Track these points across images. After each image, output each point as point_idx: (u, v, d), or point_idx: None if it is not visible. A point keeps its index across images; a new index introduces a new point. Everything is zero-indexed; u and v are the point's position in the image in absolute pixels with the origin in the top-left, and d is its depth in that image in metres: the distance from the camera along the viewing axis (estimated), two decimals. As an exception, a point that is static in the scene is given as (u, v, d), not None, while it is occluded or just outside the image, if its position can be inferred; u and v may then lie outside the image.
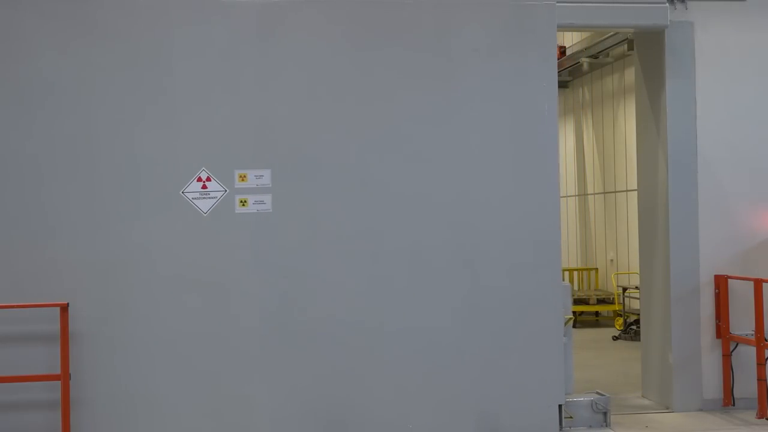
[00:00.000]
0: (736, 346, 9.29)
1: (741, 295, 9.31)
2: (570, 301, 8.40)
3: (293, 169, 7.91)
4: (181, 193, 7.74)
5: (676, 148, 9.39)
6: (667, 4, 8.80)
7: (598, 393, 8.50)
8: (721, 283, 9.31)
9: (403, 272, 7.99)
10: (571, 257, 20.42)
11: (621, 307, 15.80)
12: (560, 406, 8.13)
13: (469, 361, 8.03)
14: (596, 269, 18.58)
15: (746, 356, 9.24)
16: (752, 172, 9.50)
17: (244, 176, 7.84)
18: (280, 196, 7.88)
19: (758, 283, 8.94)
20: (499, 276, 8.09)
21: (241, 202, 7.83)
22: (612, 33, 15.80)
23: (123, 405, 7.63)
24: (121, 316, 7.65)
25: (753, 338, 8.96)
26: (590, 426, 8.26)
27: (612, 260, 17.90)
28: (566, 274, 19.21)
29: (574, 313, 16.79)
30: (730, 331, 9.27)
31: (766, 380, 8.90)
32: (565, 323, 8.19)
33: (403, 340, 7.96)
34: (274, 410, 7.78)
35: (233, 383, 7.75)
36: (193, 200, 7.75)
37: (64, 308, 7.39)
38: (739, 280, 9.26)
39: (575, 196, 20.17)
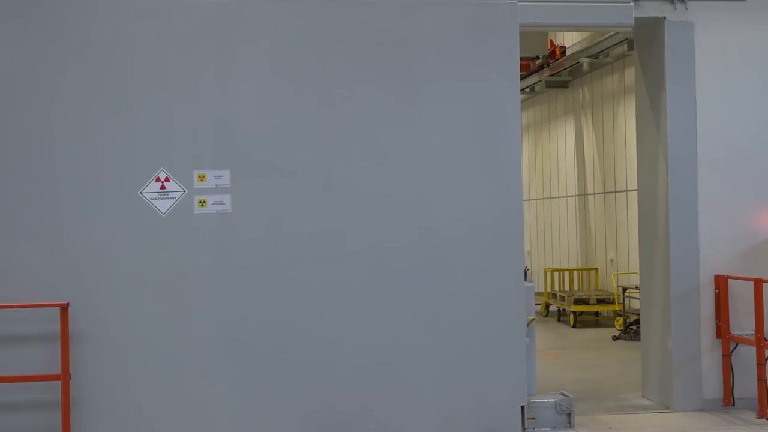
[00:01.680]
0: (736, 346, 9.29)
1: (741, 295, 9.30)
2: (533, 301, 8.33)
3: (253, 169, 7.84)
4: (139, 193, 7.69)
5: (676, 148, 9.39)
6: (632, 4, 8.67)
7: (562, 394, 8.44)
8: (721, 283, 9.31)
9: (364, 273, 7.93)
10: (571, 257, 20.43)
11: (621, 307, 15.81)
12: (523, 407, 8.08)
13: (431, 362, 7.98)
14: (596, 269, 18.59)
15: (746, 356, 9.24)
16: (752, 172, 9.50)
17: (203, 176, 7.78)
18: (240, 196, 7.82)
19: (758, 283, 8.94)
20: (462, 277, 8.05)
21: (200, 202, 7.77)
22: (612, 33, 15.82)
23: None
24: (82, 316, 7.56)
25: (753, 338, 8.97)
26: (554, 427, 8.21)
27: (612, 260, 17.90)
28: (566, 274, 19.24)
29: (574, 313, 16.82)
30: (730, 331, 9.27)
31: (766, 380, 8.90)
32: (528, 324, 8.14)
33: (364, 340, 7.90)
34: (235, 412, 7.71)
35: (194, 384, 7.68)
36: (152, 201, 7.70)
37: (64, 308, 7.39)
38: (739, 280, 9.26)
39: (575, 196, 20.17)
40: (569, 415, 8.26)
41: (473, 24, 8.14)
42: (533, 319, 8.23)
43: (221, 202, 7.79)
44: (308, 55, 7.95)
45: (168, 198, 7.73)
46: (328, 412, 7.86)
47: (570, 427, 8.24)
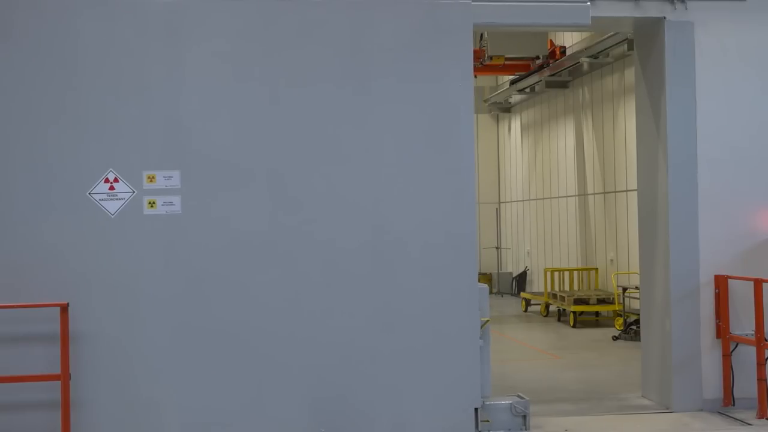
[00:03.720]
0: (736, 346, 9.29)
1: (741, 295, 9.30)
2: (487, 303, 8.26)
3: (203, 170, 7.79)
4: (88, 194, 7.66)
5: (676, 148, 9.38)
6: (589, 4, 8.54)
7: (518, 396, 8.39)
8: (721, 283, 9.31)
9: (315, 274, 7.88)
10: (571, 257, 20.43)
11: (621, 307, 15.81)
12: (476, 410, 8.02)
13: (384, 364, 7.92)
14: (596, 269, 18.59)
15: (746, 356, 9.24)
16: (752, 171, 9.50)
17: (153, 177, 7.73)
18: (190, 197, 7.76)
19: (758, 283, 8.94)
20: (415, 278, 7.99)
21: (150, 203, 7.72)
22: (612, 33, 15.82)
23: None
24: (31, 317, 7.53)
25: (753, 338, 8.96)
26: (509, 429, 8.14)
27: (612, 260, 17.90)
28: (566, 274, 19.25)
29: (574, 313, 16.83)
30: (730, 331, 9.27)
31: (766, 380, 8.91)
32: (482, 326, 8.10)
33: (316, 341, 7.84)
34: (184, 415, 7.66)
35: (141, 387, 7.61)
36: (101, 201, 7.66)
37: (65, 308, 7.39)
38: (739, 280, 9.26)
39: (575, 196, 20.17)
40: (524, 417, 8.20)
41: (426, 24, 8.07)
42: (487, 320, 8.15)
43: (171, 203, 7.74)
44: (259, 55, 7.89)
45: (117, 199, 7.67)
46: (279, 414, 7.78)
47: (525, 429, 8.17)
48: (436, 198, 8.04)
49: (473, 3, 8.19)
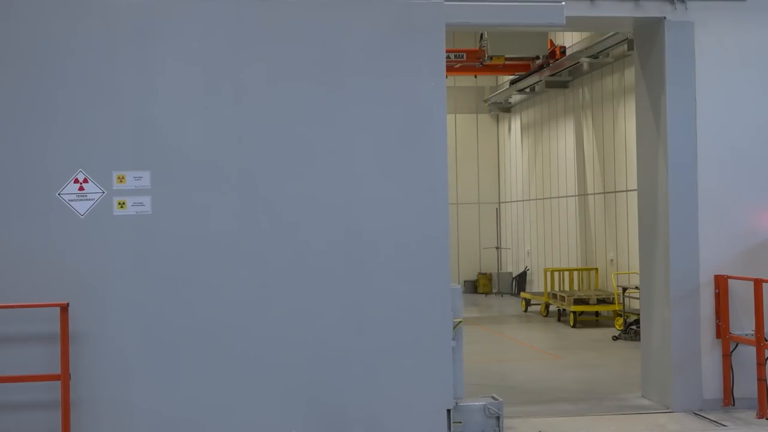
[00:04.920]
0: (736, 346, 9.30)
1: (741, 295, 9.31)
2: (460, 303, 8.20)
3: (173, 170, 7.72)
4: (57, 194, 7.61)
5: (676, 148, 9.39)
6: (563, 3, 8.43)
7: (492, 397, 8.34)
8: (721, 283, 9.31)
9: (287, 275, 7.82)
10: (571, 257, 20.44)
11: (621, 307, 15.81)
12: (449, 411, 7.96)
13: (355, 365, 7.86)
14: (596, 269, 18.59)
15: (746, 356, 9.24)
16: (752, 171, 9.50)
17: (123, 177, 7.67)
18: (160, 197, 7.71)
19: (758, 283, 8.94)
20: (387, 279, 7.93)
21: (120, 204, 7.66)
22: (612, 33, 15.83)
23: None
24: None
25: (753, 338, 8.97)
26: (482, 431, 8.09)
27: (612, 260, 17.90)
28: (566, 274, 19.25)
29: (574, 313, 16.83)
30: (730, 331, 9.28)
31: (766, 380, 8.91)
32: (455, 327, 8.05)
33: (287, 343, 7.78)
34: (156, 415, 7.60)
35: (111, 389, 7.56)
36: (70, 202, 7.61)
37: (64, 308, 7.38)
38: (739, 280, 9.26)
39: (575, 196, 20.18)
40: (498, 418, 8.15)
41: (398, 23, 8.02)
42: (460, 321, 8.10)
43: (141, 204, 7.68)
44: (231, 55, 7.83)
45: (86, 199, 7.62)
46: (249, 416, 7.72)
47: (498, 430, 8.12)
48: (409, 198, 7.98)
49: (446, 3, 8.12)
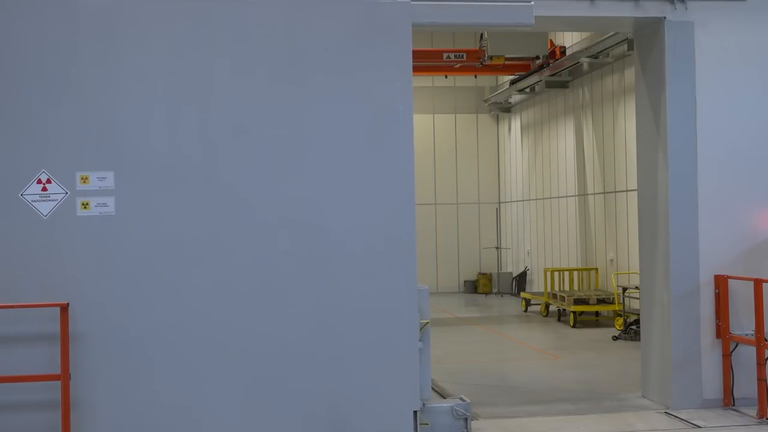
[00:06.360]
0: (736, 346, 9.30)
1: (741, 295, 9.31)
2: (427, 305, 8.14)
3: (137, 171, 7.67)
4: (20, 195, 7.56)
5: (676, 148, 9.39)
6: (533, 3, 8.35)
7: (461, 399, 8.30)
8: (721, 283, 9.31)
9: (252, 276, 7.75)
10: (571, 257, 20.44)
11: (621, 307, 15.81)
12: (415, 413, 7.90)
13: (320, 367, 7.79)
14: (596, 269, 18.60)
15: (746, 356, 9.25)
16: (752, 172, 9.51)
17: (86, 178, 7.62)
18: (124, 198, 7.65)
19: (758, 283, 8.95)
20: (353, 279, 7.86)
21: (83, 204, 7.60)
22: (612, 33, 15.83)
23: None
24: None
25: (753, 338, 8.97)
26: None
27: (612, 260, 17.91)
28: (566, 274, 19.25)
29: (574, 313, 16.83)
30: (730, 331, 9.28)
31: (766, 380, 8.91)
32: (422, 328, 8.00)
33: (251, 345, 7.71)
34: (119, 416, 7.56)
35: (73, 390, 7.46)
36: (33, 203, 7.56)
37: (64, 308, 7.38)
38: (739, 280, 9.27)
39: (575, 196, 20.18)
40: (466, 420, 8.10)
41: (365, 23, 7.98)
42: (426, 323, 8.05)
43: (105, 204, 7.64)
44: (193, 54, 7.78)
45: (50, 200, 7.57)
46: (211, 419, 7.67)
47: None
48: (374, 198, 7.92)
49: (413, 2, 8.08)
